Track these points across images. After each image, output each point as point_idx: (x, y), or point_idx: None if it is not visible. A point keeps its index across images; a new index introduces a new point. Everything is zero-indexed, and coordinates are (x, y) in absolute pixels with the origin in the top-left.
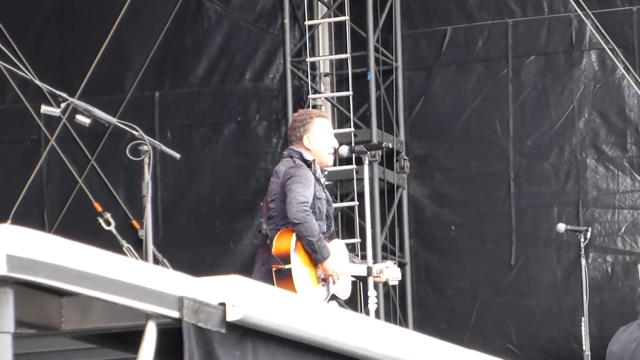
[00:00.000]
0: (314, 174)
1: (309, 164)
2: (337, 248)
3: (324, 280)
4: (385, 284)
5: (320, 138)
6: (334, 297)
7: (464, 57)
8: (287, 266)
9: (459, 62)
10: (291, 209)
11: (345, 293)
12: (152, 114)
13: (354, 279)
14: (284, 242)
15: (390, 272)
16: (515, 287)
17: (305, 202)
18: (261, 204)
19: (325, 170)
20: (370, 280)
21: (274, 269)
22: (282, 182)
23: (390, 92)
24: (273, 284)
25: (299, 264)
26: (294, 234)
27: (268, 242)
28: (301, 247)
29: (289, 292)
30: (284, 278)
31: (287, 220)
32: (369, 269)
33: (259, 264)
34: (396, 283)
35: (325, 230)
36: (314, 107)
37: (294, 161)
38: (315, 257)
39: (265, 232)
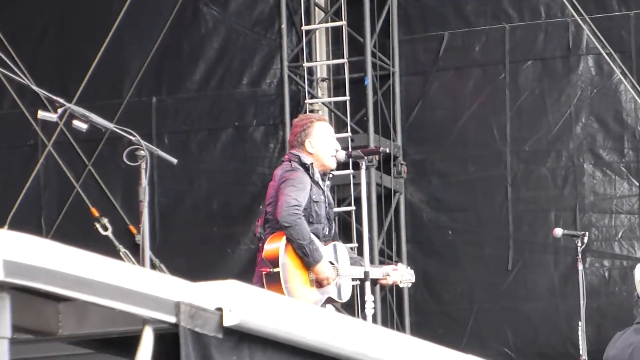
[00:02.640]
0: (312, 177)
1: (306, 167)
2: (334, 250)
3: (318, 283)
4: (385, 286)
5: (321, 142)
6: (331, 300)
7: (461, 62)
8: (275, 269)
9: (456, 67)
10: (281, 212)
11: (343, 296)
12: (150, 119)
13: (354, 282)
14: (274, 246)
15: (398, 275)
16: (513, 292)
17: (296, 206)
18: (260, 207)
19: (330, 174)
20: (367, 285)
21: (263, 273)
22: (277, 186)
23: (388, 97)
24: (264, 287)
25: (289, 267)
26: (284, 237)
27: (261, 245)
28: (292, 250)
29: (283, 296)
30: (274, 281)
31: None
32: (366, 274)
33: (257, 268)
34: (409, 285)
35: (327, 233)
36: (312, 112)
37: (291, 165)
38: (306, 260)
39: (260, 235)
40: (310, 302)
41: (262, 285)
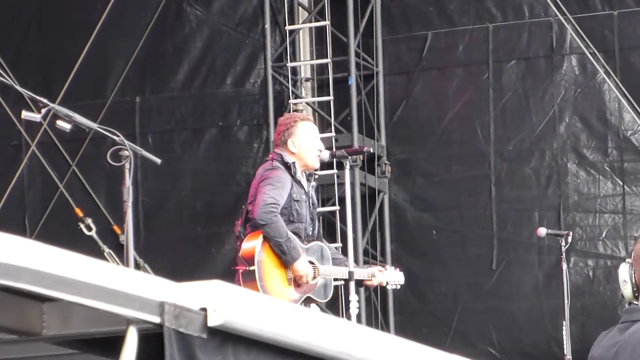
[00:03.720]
0: (293, 176)
1: (288, 166)
2: (320, 250)
3: (296, 282)
4: (370, 287)
5: (304, 141)
6: (310, 300)
7: (444, 61)
8: (251, 268)
9: (440, 66)
10: (257, 210)
11: (323, 295)
12: (133, 119)
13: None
14: (251, 244)
15: (384, 276)
16: (497, 292)
17: (273, 204)
18: (243, 207)
19: (316, 174)
20: (352, 285)
21: (240, 271)
22: (256, 185)
23: (371, 97)
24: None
25: (265, 266)
26: (261, 236)
27: (239, 243)
28: (269, 248)
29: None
30: (249, 280)
31: None
32: (350, 274)
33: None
34: (396, 287)
35: (309, 233)
36: (296, 112)
37: (272, 164)
38: (284, 258)
39: (240, 234)
40: (288, 300)
41: (239, 284)
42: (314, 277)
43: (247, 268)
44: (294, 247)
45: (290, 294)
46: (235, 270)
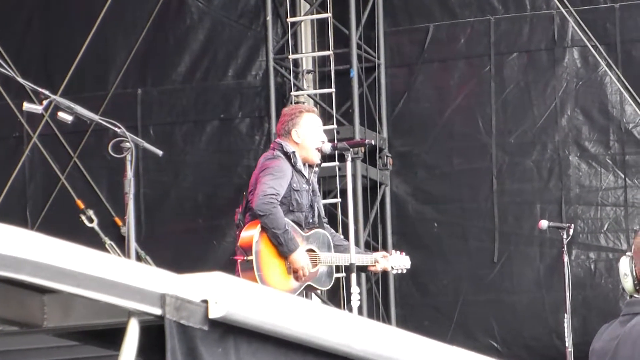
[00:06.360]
0: (294, 165)
1: (288, 156)
2: (320, 237)
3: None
4: (376, 273)
5: (307, 133)
6: (311, 288)
7: (446, 54)
8: (249, 257)
9: (441, 59)
10: (257, 200)
11: (325, 284)
12: (135, 111)
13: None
14: (249, 234)
15: (387, 262)
16: (498, 284)
17: (272, 194)
18: (244, 194)
19: (320, 162)
20: (353, 277)
21: (238, 261)
22: (257, 174)
23: (373, 89)
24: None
25: (263, 256)
26: (259, 225)
27: (238, 233)
28: (267, 238)
29: (259, 285)
30: (247, 269)
31: None
32: (351, 265)
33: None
34: (402, 271)
35: (310, 221)
36: (297, 103)
37: (273, 153)
38: (281, 249)
39: (239, 222)
40: (287, 290)
41: (238, 274)
42: (315, 265)
43: (245, 258)
44: (291, 238)
45: (289, 283)
46: (235, 260)
